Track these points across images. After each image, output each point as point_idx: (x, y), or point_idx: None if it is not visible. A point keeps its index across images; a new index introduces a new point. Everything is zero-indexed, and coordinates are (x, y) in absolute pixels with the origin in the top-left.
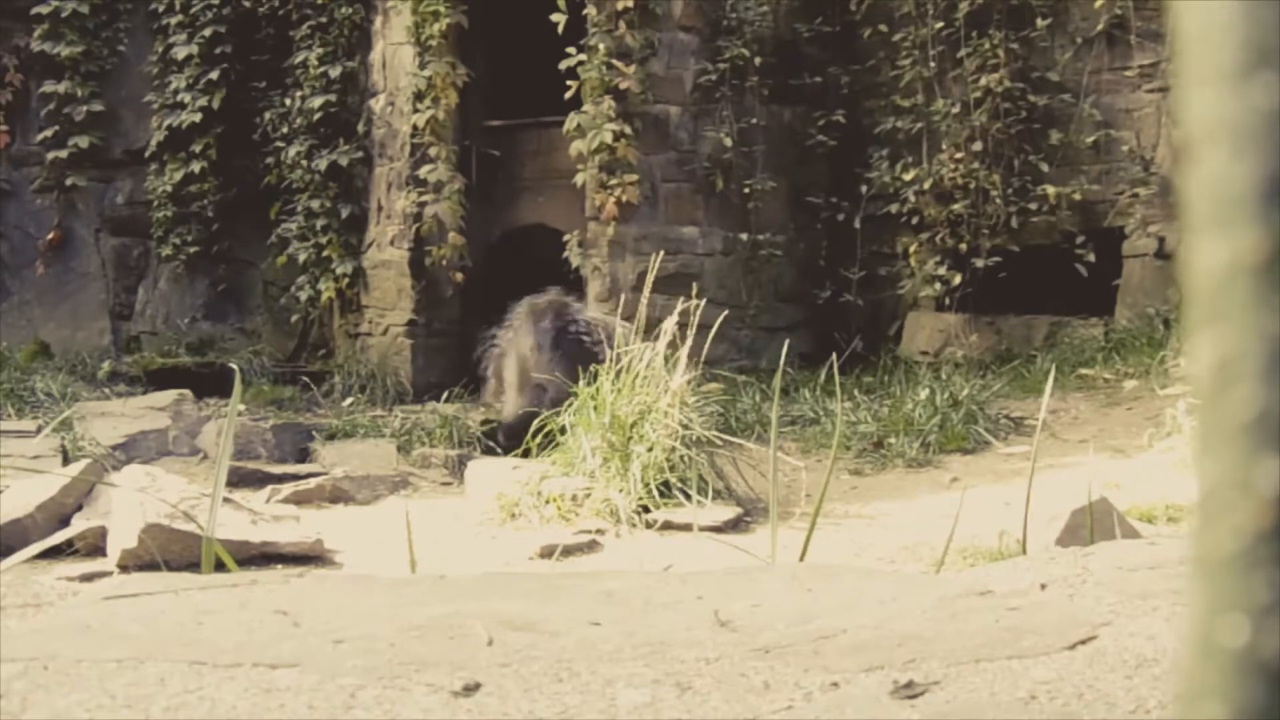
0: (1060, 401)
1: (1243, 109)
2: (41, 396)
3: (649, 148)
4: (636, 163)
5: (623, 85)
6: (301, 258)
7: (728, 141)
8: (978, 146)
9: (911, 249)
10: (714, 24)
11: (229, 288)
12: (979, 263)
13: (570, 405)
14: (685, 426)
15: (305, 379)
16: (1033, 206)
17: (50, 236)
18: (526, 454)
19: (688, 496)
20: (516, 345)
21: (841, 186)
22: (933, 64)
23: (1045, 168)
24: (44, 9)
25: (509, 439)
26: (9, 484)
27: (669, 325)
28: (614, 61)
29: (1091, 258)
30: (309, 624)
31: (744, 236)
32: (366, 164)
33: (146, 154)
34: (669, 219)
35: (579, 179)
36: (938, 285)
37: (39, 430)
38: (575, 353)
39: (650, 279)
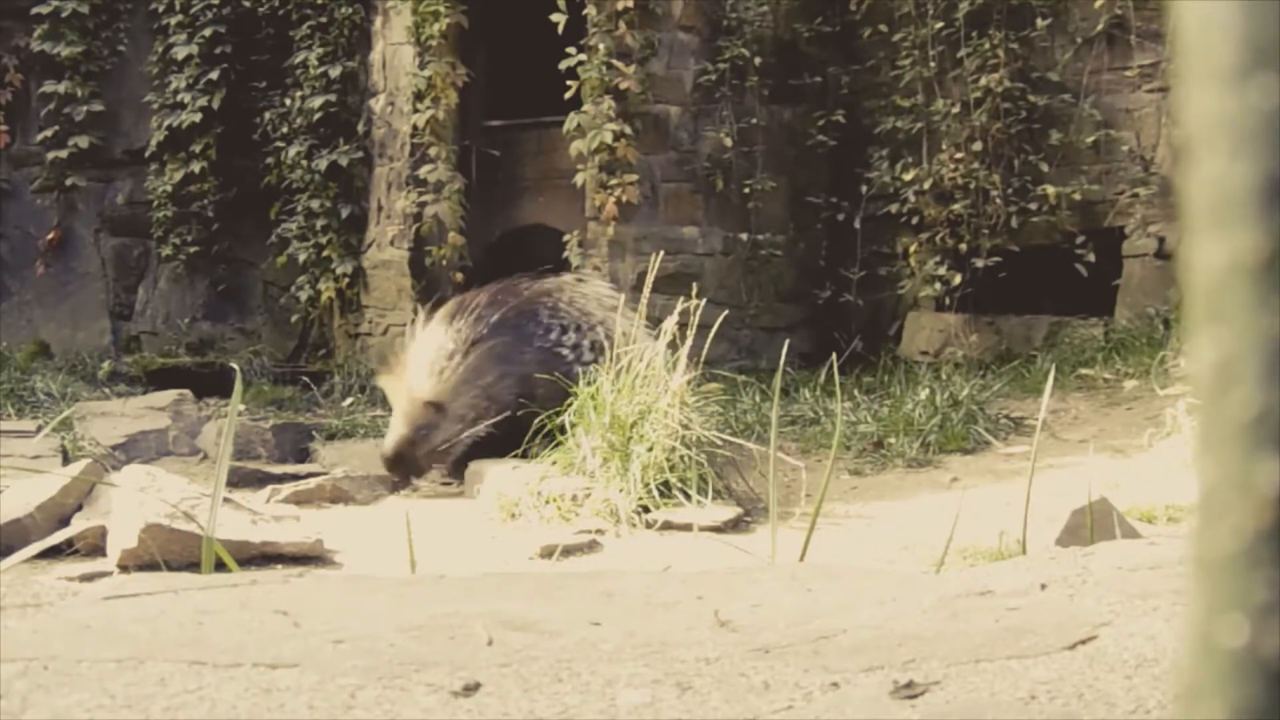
0: (1060, 401)
1: (1243, 109)
2: (41, 396)
3: (649, 148)
4: (636, 163)
5: (623, 85)
6: (301, 258)
7: (728, 141)
8: (978, 146)
9: (911, 249)
10: (714, 24)
11: (229, 288)
12: (979, 263)
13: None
14: (685, 426)
15: (305, 379)
16: (1033, 206)
17: (50, 236)
18: (526, 454)
19: (688, 496)
20: (414, 349)
21: (841, 186)
22: (933, 64)
23: (1045, 168)
24: (44, 9)
25: (390, 471)
26: (9, 484)
27: (669, 325)
28: (614, 61)
29: (1091, 258)
30: (309, 624)
31: (744, 236)
32: (366, 164)
33: (146, 154)
34: (669, 219)
35: (579, 179)
36: (938, 285)
37: (39, 430)
38: (532, 362)
39: (650, 279)
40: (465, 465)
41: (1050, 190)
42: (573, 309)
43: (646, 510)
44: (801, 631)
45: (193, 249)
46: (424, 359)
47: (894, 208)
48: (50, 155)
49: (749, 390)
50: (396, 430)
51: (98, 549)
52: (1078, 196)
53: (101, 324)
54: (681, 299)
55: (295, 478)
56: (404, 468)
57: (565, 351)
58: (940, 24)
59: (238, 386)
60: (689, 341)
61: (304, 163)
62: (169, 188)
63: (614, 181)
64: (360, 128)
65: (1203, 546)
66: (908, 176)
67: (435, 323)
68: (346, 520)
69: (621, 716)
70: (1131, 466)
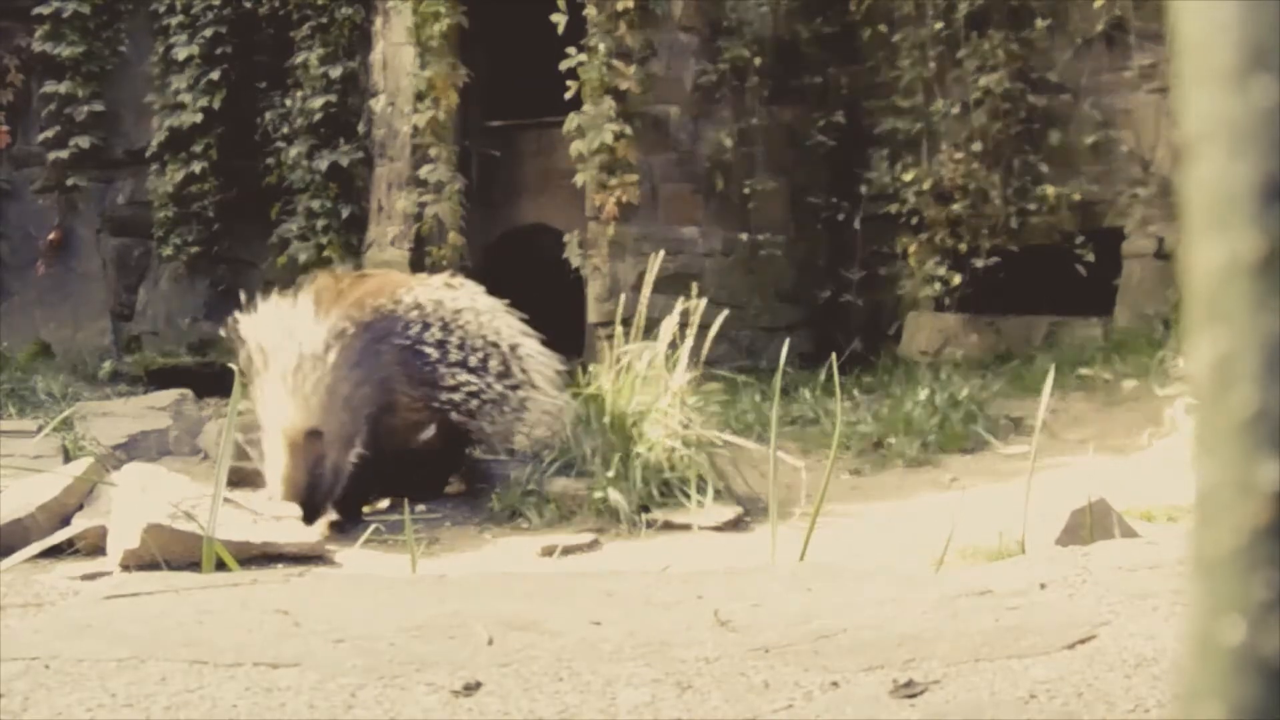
0: (1060, 401)
1: (1242, 109)
2: (42, 396)
3: (649, 148)
4: (636, 163)
5: (623, 85)
6: (302, 258)
7: (728, 141)
8: (978, 147)
9: (911, 249)
10: (714, 24)
11: (230, 288)
12: (979, 263)
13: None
14: (685, 426)
15: None
16: (1032, 207)
17: (51, 237)
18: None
19: (688, 496)
20: (263, 366)
21: (841, 186)
22: (933, 64)
23: (1045, 168)
24: (45, 9)
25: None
26: (10, 484)
27: (669, 325)
28: (614, 62)
29: (1091, 258)
30: (309, 624)
31: (744, 236)
32: (367, 164)
33: (147, 154)
34: (669, 219)
35: (579, 179)
36: (937, 285)
37: (40, 430)
38: (390, 363)
39: (650, 279)
40: (357, 502)
41: (1050, 190)
42: (442, 308)
43: (646, 510)
44: (801, 631)
45: (193, 249)
46: (278, 378)
47: (894, 208)
48: (51, 155)
49: (749, 390)
50: (287, 478)
51: (99, 549)
52: (1077, 196)
53: (102, 324)
54: (681, 299)
55: None
56: (314, 513)
57: (430, 350)
58: (940, 24)
59: (237, 386)
60: (689, 341)
61: (304, 163)
62: (170, 188)
63: (614, 181)
64: (360, 128)
65: (1202, 546)
66: (908, 177)
67: (271, 328)
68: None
69: (621, 716)
70: (1131, 466)
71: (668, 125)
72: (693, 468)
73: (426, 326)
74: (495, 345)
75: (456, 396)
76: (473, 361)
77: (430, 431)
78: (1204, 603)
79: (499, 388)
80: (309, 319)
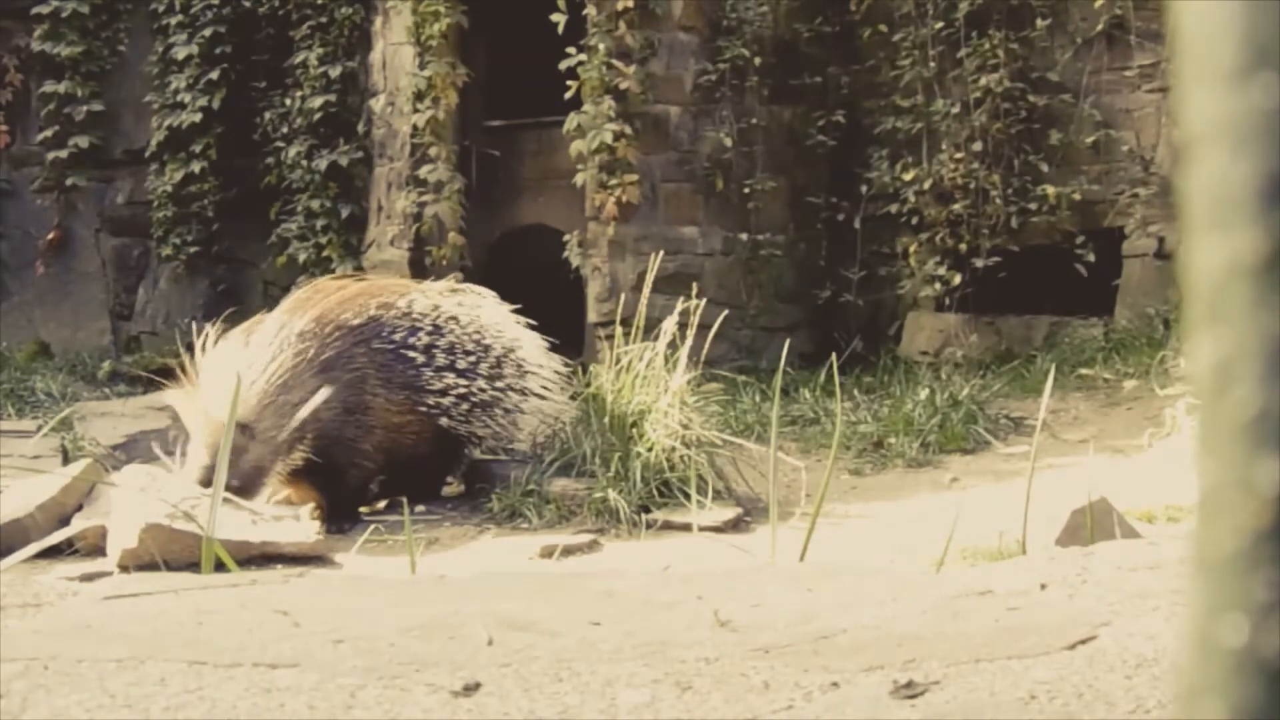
0: (1060, 401)
1: (1243, 109)
2: (41, 396)
3: (649, 148)
4: (636, 163)
5: (623, 85)
6: (301, 258)
7: (728, 141)
8: (978, 146)
9: (911, 249)
10: (714, 24)
11: (229, 288)
12: (979, 263)
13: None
14: (685, 426)
15: None
16: (1033, 206)
17: (50, 236)
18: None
19: (687, 496)
20: (215, 362)
21: (841, 186)
22: (933, 64)
23: (1045, 168)
24: (44, 9)
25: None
26: (9, 484)
27: (669, 325)
28: (614, 61)
29: (1091, 258)
30: (309, 624)
31: (744, 236)
32: (366, 164)
33: (147, 154)
34: (669, 219)
35: (579, 179)
36: (938, 285)
37: (39, 430)
38: (366, 365)
39: (650, 279)
40: (353, 503)
41: (1050, 190)
42: (433, 311)
43: (646, 510)
44: (801, 631)
45: (193, 249)
46: (230, 373)
47: (894, 208)
48: (50, 155)
49: (749, 390)
50: (198, 459)
51: (98, 549)
52: (1078, 196)
53: (101, 324)
54: (681, 299)
55: None
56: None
57: (414, 354)
58: (940, 24)
59: (236, 386)
60: (689, 341)
61: (304, 163)
62: (169, 188)
63: (614, 181)
64: (360, 128)
65: (1203, 546)
66: (908, 176)
67: (246, 331)
68: None
69: (621, 716)
70: (1131, 466)
71: (668, 125)
72: (693, 468)
73: (414, 330)
74: (489, 348)
75: (445, 400)
76: (461, 364)
77: (419, 435)
78: (1205, 603)
79: (490, 391)
80: (289, 320)
